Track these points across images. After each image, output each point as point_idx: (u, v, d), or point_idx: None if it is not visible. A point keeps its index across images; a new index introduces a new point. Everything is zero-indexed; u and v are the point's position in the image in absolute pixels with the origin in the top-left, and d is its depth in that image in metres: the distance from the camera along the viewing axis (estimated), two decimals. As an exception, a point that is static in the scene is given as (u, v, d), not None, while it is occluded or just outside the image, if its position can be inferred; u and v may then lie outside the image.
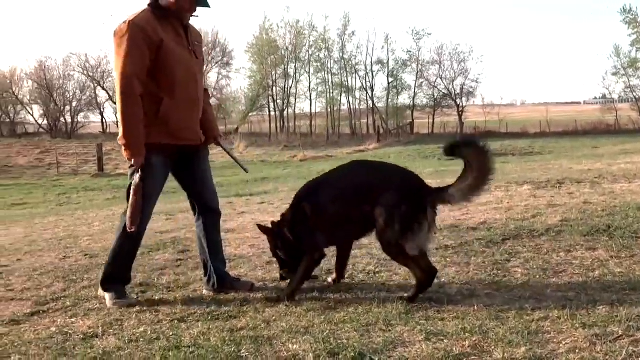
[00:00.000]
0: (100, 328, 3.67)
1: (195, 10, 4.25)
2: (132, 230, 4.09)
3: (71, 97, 58.52)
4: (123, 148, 4.06)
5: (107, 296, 4.22)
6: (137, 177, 4.07)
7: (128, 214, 4.10)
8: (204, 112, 4.47)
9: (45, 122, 59.59)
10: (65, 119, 59.13)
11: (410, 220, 3.84)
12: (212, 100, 42.96)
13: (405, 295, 3.89)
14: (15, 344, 3.47)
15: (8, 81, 58.45)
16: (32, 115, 61.03)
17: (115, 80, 4.09)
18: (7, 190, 24.64)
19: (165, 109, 4.11)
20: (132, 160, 4.08)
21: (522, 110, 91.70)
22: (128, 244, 4.28)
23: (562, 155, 23.45)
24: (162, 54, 4.06)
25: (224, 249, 4.72)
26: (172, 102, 4.13)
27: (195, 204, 4.56)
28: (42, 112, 59.75)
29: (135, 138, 4.03)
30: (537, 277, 4.27)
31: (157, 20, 4.08)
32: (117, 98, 4.05)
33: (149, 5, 4.14)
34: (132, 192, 4.09)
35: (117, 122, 4.14)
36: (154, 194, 4.26)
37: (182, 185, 4.54)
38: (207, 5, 4.24)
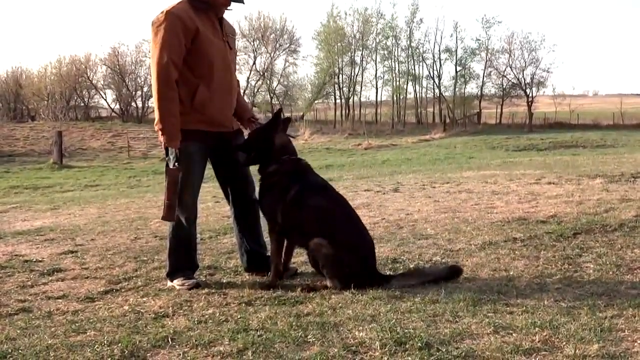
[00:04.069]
0: (171, 308, 3.76)
1: (230, 4, 4.35)
2: (170, 221, 4.24)
3: (142, 83, 59.77)
4: (160, 133, 4.14)
5: (175, 282, 4.32)
6: (171, 163, 4.16)
7: (164, 202, 4.19)
8: (237, 99, 4.56)
9: (118, 106, 61.21)
10: (136, 104, 60.59)
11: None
12: (279, 87, 42.74)
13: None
14: (91, 320, 3.59)
15: (83, 66, 60.22)
16: (105, 100, 62.78)
17: (151, 67, 4.19)
18: (81, 172, 25.46)
19: (201, 96, 4.20)
20: (169, 145, 4.15)
21: (594, 101, 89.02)
22: (182, 233, 4.35)
23: (637, 149, 22.67)
24: (198, 42, 4.15)
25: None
26: (207, 89, 4.21)
27: (228, 193, 4.60)
28: (114, 96, 61.39)
29: (172, 123, 4.10)
30: (610, 273, 4.15)
31: (194, 10, 4.17)
32: (154, 85, 4.12)
33: None
34: (166, 179, 4.18)
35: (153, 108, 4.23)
36: (195, 181, 4.34)
37: (215, 173, 4.59)
38: (241, 1, 4.35)
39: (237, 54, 4.36)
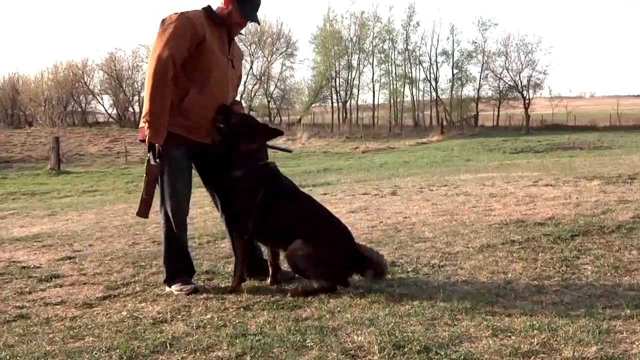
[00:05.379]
0: (169, 313, 3.75)
1: (245, 25, 4.43)
2: (144, 217, 4.28)
3: (139, 88, 59.62)
4: (146, 126, 4.13)
5: (174, 287, 4.31)
6: (152, 159, 4.16)
7: (142, 197, 4.20)
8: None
9: (115, 111, 61.18)
10: (133, 109, 60.49)
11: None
12: (276, 91, 42.35)
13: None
14: (89, 327, 3.58)
15: (80, 72, 60.17)
16: (102, 105, 62.71)
17: (149, 61, 4.20)
18: (79, 178, 25.44)
19: (190, 101, 4.20)
20: (153, 140, 4.13)
21: (591, 102, 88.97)
22: (174, 239, 4.34)
23: (634, 150, 22.70)
24: (201, 49, 4.18)
25: None
26: (198, 96, 4.22)
27: (216, 201, 4.59)
28: (111, 102, 61.34)
29: (160, 118, 4.10)
30: (608, 275, 4.16)
31: (207, 21, 4.24)
32: (149, 78, 4.11)
33: (203, 8, 4.32)
34: (145, 174, 4.19)
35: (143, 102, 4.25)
36: (181, 187, 4.31)
37: (203, 182, 4.59)
38: (257, 21, 4.39)
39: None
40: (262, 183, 4.20)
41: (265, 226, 4.18)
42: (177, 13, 4.18)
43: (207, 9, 4.30)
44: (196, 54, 4.18)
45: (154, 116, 4.10)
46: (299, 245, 4.01)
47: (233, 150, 4.24)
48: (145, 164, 4.24)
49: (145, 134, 4.16)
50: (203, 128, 4.31)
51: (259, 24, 4.46)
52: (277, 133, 4.50)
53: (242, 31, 4.59)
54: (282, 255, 4.42)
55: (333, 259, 4.03)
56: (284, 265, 4.47)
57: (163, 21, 4.16)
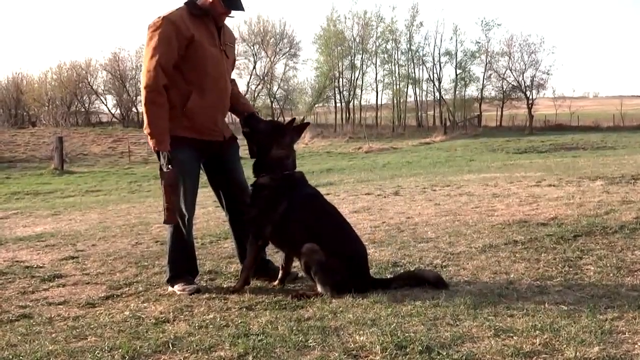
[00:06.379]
0: (171, 313, 3.76)
1: (229, 13, 4.37)
2: (172, 223, 4.24)
3: (143, 87, 59.80)
4: (148, 137, 4.16)
5: (176, 287, 4.31)
6: (164, 166, 4.17)
7: (164, 206, 4.21)
8: (236, 95, 4.61)
9: (118, 111, 61.21)
10: (137, 109, 60.45)
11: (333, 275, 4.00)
12: (279, 91, 42.32)
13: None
14: (91, 326, 3.59)
15: (84, 72, 60.21)
16: (106, 105, 62.71)
17: (141, 71, 4.23)
18: (82, 178, 25.45)
19: (193, 103, 4.21)
20: (158, 148, 4.16)
21: (594, 103, 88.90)
22: (180, 240, 4.35)
23: (637, 151, 22.66)
24: (193, 49, 4.18)
25: None
26: (199, 97, 4.23)
27: (222, 199, 4.60)
28: (115, 102, 61.38)
29: (160, 127, 4.13)
30: (611, 275, 4.15)
31: (191, 17, 4.22)
32: (142, 89, 4.16)
33: (185, 3, 4.28)
34: (162, 183, 4.21)
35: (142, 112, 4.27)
36: (188, 189, 4.31)
37: (208, 180, 4.60)
38: (241, 9, 4.35)
39: (237, 58, 4.38)
40: (286, 192, 4.21)
41: (284, 234, 4.20)
42: (160, 17, 4.15)
43: (190, 4, 4.26)
44: (188, 55, 4.18)
45: (153, 126, 4.12)
46: (316, 248, 4.01)
47: (264, 155, 4.28)
48: (159, 173, 4.25)
49: (150, 144, 4.20)
50: (210, 125, 4.33)
51: (243, 11, 4.39)
52: (304, 127, 4.62)
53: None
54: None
55: (343, 272, 4.01)
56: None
57: (149, 27, 4.16)
